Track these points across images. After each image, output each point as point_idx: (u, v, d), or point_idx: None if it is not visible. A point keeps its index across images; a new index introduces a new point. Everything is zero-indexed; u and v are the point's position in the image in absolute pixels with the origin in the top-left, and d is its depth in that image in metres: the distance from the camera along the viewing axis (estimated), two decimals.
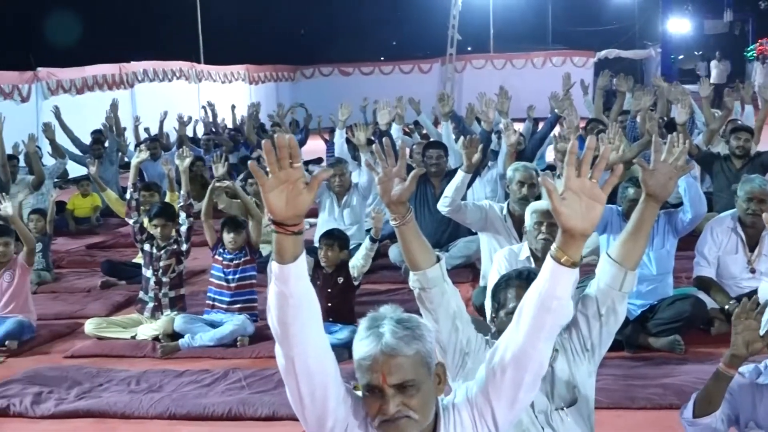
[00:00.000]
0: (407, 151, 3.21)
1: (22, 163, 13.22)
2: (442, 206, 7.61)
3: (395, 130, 13.08)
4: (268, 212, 2.61)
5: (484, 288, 6.41)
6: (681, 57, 44.75)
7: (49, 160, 15.09)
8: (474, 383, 2.90)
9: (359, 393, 2.83)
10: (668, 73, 35.10)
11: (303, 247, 2.60)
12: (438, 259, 3.52)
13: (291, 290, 2.58)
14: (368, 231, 10.33)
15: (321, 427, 2.76)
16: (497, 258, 6.28)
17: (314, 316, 2.66)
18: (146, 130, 18.57)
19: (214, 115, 20.13)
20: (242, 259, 7.93)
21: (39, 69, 21.13)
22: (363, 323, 2.81)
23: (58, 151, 14.22)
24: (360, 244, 8.01)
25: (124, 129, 16.75)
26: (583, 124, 12.69)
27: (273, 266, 2.60)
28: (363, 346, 2.74)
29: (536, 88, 24.74)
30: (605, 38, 36.58)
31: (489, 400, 2.83)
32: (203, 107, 19.72)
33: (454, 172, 8.18)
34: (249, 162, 2.67)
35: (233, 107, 20.71)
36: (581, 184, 2.61)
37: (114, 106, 15.79)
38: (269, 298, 2.63)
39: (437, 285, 3.49)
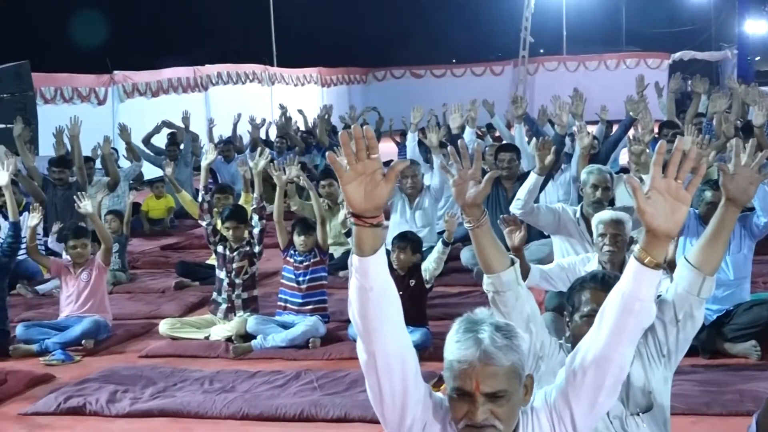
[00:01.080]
0: (481, 152, 3.20)
1: (98, 165, 13.40)
2: (515, 208, 7.55)
3: (468, 133, 13.02)
4: (347, 205, 2.60)
5: (558, 291, 6.35)
6: (758, 58, 44.08)
7: (124, 162, 15.30)
8: (553, 387, 2.88)
9: (440, 395, 2.81)
10: (745, 74, 34.55)
11: (383, 239, 2.59)
12: (512, 262, 3.49)
13: (371, 283, 2.57)
14: (440, 233, 10.32)
15: (400, 425, 2.74)
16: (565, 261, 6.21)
17: (395, 310, 2.64)
18: (218, 135, 18.71)
19: (287, 118, 20.22)
20: (312, 261, 7.95)
21: (115, 72, 21.47)
22: (459, 324, 2.77)
23: (133, 153, 14.40)
24: (431, 247, 7.99)
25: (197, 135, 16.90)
26: (656, 127, 12.54)
27: (353, 259, 2.59)
28: (460, 349, 2.69)
29: (609, 90, 24.57)
30: (680, 40, 36.19)
31: (569, 403, 2.81)
32: (283, 111, 19.81)
33: (526, 175, 8.13)
34: (327, 153, 2.67)
35: (300, 111, 20.81)
36: (667, 185, 2.59)
37: (186, 119, 15.97)
38: (350, 292, 2.62)
39: (511, 288, 3.47)
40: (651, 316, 2.73)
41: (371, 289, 2.58)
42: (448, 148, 3.49)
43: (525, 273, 4.88)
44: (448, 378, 2.71)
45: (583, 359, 2.78)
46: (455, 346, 2.71)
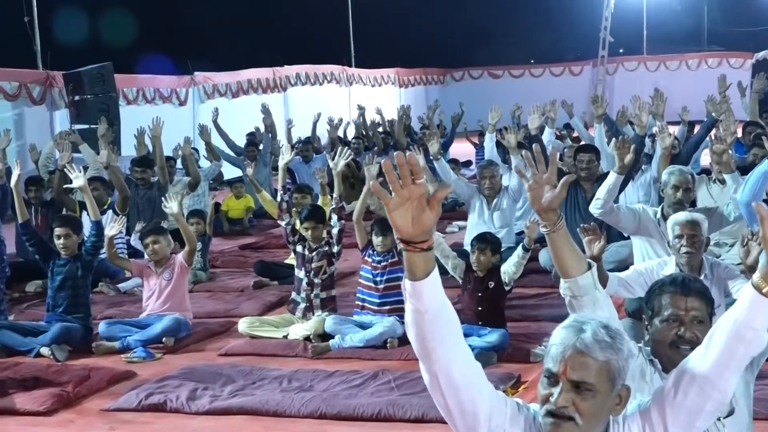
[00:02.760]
0: (558, 155, 3.16)
1: (179, 165, 13.58)
2: (594, 208, 7.49)
3: (547, 134, 12.95)
4: (396, 232, 2.59)
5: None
6: None
7: (204, 162, 15.48)
8: (649, 399, 2.84)
9: (518, 399, 2.79)
10: None
11: (434, 262, 2.57)
12: (589, 266, 3.45)
13: (426, 306, 2.56)
14: (518, 234, 10.30)
15: None
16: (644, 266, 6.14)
17: (453, 330, 2.63)
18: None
19: (365, 120, 20.30)
20: (389, 261, 7.96)
21: (196, 73, 21.73)
22: (570, 317, 2.78)
23: (213, 154, 14.56)
24: (510, 248, 7.97)
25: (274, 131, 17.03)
26: (739, 128, 12.35)
27: (405, 284, 2.58)
28: (561, 334, 2.70)
29: (690, 90, 24.25)
30: (764, 39, 35.49)
31: (664, 420, 2.76)
32: (361, 112, 19.89)
33: (605, 176, 8.05)
34: (372, 183, 2.66)
35: (379, 111, 20.87)
36: None
37: (266, 110, 16.07)
38: (406, 316, 2.62)
39: (588, 293, 3.41)
40: (762, 344, 2.68)
41: (426, 312, 2.56)
42: (523, 152, 3.46)
43: (603, 282, 4.82)
44: (545, 360, 2.71)
45: (687, 380, 2.74)
46: (559, 332, 2.71)
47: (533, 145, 3.46)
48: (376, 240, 7.95)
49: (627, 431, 2.78)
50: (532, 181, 3.32)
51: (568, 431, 2.66)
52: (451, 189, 2.60)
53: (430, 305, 2.56)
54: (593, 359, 2.64)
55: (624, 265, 9.29)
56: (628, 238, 8.19)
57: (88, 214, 8.56)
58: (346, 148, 9.35)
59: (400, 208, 2.50)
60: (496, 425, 2.71)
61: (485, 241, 7.55)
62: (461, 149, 20.83)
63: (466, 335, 7.00)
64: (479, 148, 18.73)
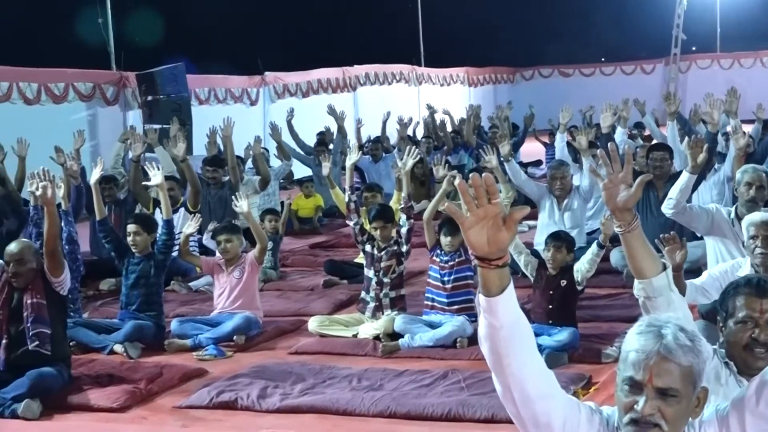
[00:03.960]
0: (632, 154, 3.12)
1: (249, 165, 13.68)
2: (667, 208, 7.40)
3: (619, 134, 12.84)
4: (471, 250, 2.60)
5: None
6: None
7: (275, 162, 15.58)
8: (729, 405, 2.80)
9: (590, 403, 2.77)
10: None
11: (510, 277, 2.57)
12: (664, 267, 3.41)
13: (501, 322, 2.56)
14: (589, 234, 10.22)
15: None
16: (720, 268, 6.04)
17: (527, 344, 2.62)
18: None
19: (434, 119, 20.26)
20: (456, 260, 7.93)
21: (267, 73, 21.87)
22: (642, 320, 2.75)
23: (283, 153, 14.65)
24: (580, 248, 7.90)
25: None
26: None
27: (480, 299, 2.58)
28: (639, 340, 2.66)
29: (765, 87, 23.85)
30: None
31: (744, 427, 2.74)
32: (431, 111, 19.87)
33: (677, 175, 7.96)
34: (447, 205, 2.66)
35: (447, 111, 20.84)
36: None
37: (333, 110, 16.14)
38: (479, 331, 2.62)
39: (663, 294, 3.36)
40: None
41: (501, 328, 2.56)
42: (598, 151, 3.42)
43: (682, 290, 4.76)
44: (621, 369, 2.68)
45: (766, 389, 2.70)
46: (636, 338, 2.68)
47: (608, 144, 3.42)
48: (444, 240, 7.94)
49: None
50: (607, 180, 3.29)
51: None
52: (527, 210, 2.60)
53: (504, 320, 2.56)
54: (677, 364, 2.61)
55: (697, 266, 9.20)
56: (701, 238, 8.08)
57: (160, 212, 8.68)
58: (416, 147, 9.35)
59: (475, 227, 2.51)
60: (571, 430, 2.69)
61: (561, 239, 7.51)
62: (530, 148, 20.74)
63: (536, 334, 6.96)
64: (549, 147, 18.62)
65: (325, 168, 11.00)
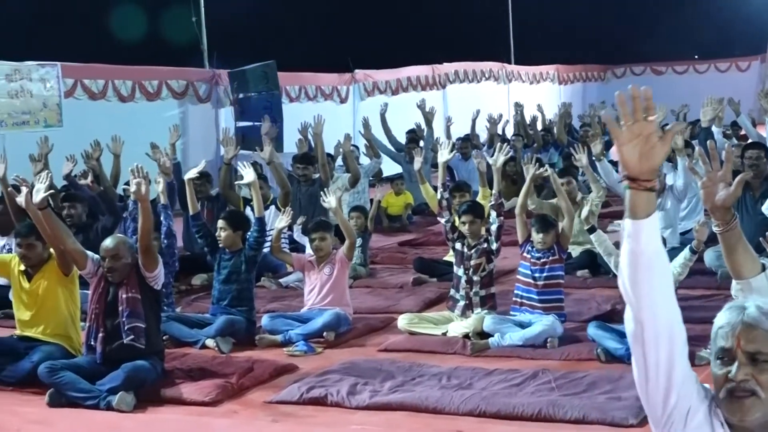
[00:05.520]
0: (732, 152, 3.06)
1: (339, 162, 13.74)
2: (767, 208, 7.26)
3: (715, 133, 12.63)
4: (621, 168, 2.59)
5: None
6: None
7: (364, 160, 15.62)
8: None
9: (705, 385, 2.73)
10: None
11: (656, 205, 2.57)
12: (763, 268, 3.34)
13: (642, 248, 2.53)
14: (683, 234, 10.07)
15: (664, 404, 2.65)
16: None
17: (665, 278, 2.60)
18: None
19: (523, 117, 20.15)
20: (550, 258, 7.87)
21: (356, 71, 21.94)
22: (726, 306, 2.72)
23: (373, 150, 14.68)
24: (674, 248, 7.79)
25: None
26: None
27: (625, 223, 2.57)
28: (723, 317, 2.64)
29: None
30: None
31: None
32: (520, 109, 19.77)
33: None
34: (602, 113, 2.65)
35: (539, 107, 20.70)
36: None
37: (422, 105, 16.17)
38: (621, 259, 2.60)
39: (762, 295, 3.29)
40: None
41: (642, 254, 2.54)
42: (697, 149, 3.37)
43: None
44: (712, 348, 2.66)
45: None
46: (720, 317, 2.66)
47: (707, 142, 3.37)
48: (537, 237, 7.88)
49: None
50: (706, 178, 3.24)
51: (753, 406, 2.59)
52: (684, 125, 2.59)
53: (647, 247, 2.54)
54: (764, 330, 2.57)
55: None
56: None
57: (252, 210, 8.77)
58: (506, 144, 9.31)
59: (628, 143, 2.51)
60: (684, 394, 2.64)
61: None
62: None
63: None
64: None
65: (417, 162, 11.00)
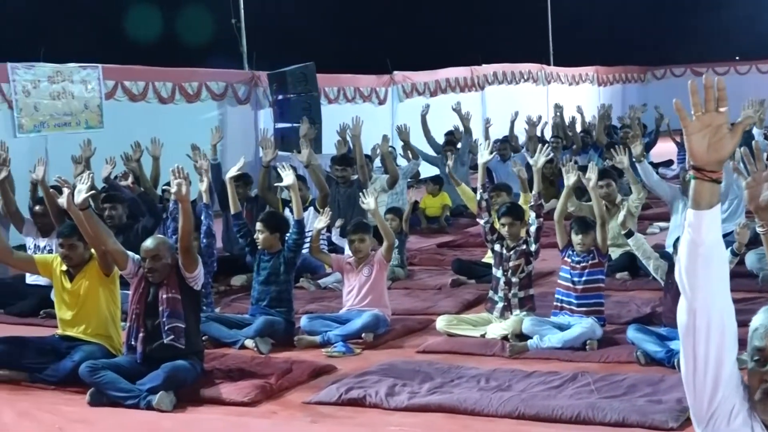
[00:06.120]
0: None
1: (378, 164, 13.76)
2: None
3: (756, 135, 12.53)
4: (688, 158, 2.59)
5: None
6: None
7: (401, 161, 15.62)
8: None
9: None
10: None
11: (719, 198, 2.57)
12: None
13: (702, 238, 2.54)
14: (724, 237, 9.97)
15: (711, 399, 2.65)
16: None
17: (722, 271, 2.60)
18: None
19: (563, 119, 20.07)
20: (590, 262, 7.84)
21: (395, 73, 21.94)
22: (762, 308, 2.75)
23: (411, 152, 14.68)
24: None
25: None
26: None
27: (687, 214, 2.58)
28: (759, 319, 2.67)
29: None
30: None
31: None
32: (559, 111, 19.70)
33: None
34: (675, 101, 2.64)
35: (579, 109, 20.61)
36: None
37: (458, 109, 16.16)
38: (680, 248, 2.61)
39: None
40: None
41: (702, 244, 2.54)
42: (741, 149, 3.34)
43: None
44: (748, 350, 2.67)
45: None
46: (756, 319, 2.68)
47: (752, 142, 3.33)
48: (576, 238, 7.85)
49: None
50: (750, 179, 3.22)
51: None
52: (754, 120, 2.59)
53: (707, 238, 2.54)
54: None
55: None
56: None
57: (291, 212, 8.80)
58: (546, 146, 9.28)
59: (697, 133, 2.51)
60: (730, 392, 2.64)
61: None
62: (662, 148, 20.37)
63: (669, 338, 6.84)
64: (681, 147, 18.26)
65: (449, 165, 11.04)
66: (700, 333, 2.60)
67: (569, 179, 8.21)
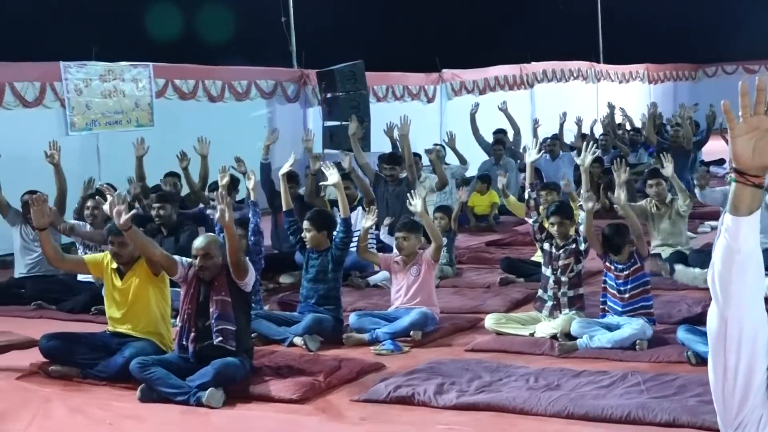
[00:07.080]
0: None
1: (426, 162, 13.76)
2: None
3: None
4: (730, 159, 2.54)
5: None
6: None
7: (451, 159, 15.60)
8: None
9: None
10: None
11: (760, 203, 2.49)
12: None
13: (739, 245, 2.46)
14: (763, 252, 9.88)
15: (740, 407, 2.58)
16: None
17: (758, 281, 2.52)
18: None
19: (613, 117, 19.94)
20: (632, 269, 7.78)
21: (444, 71, 21.90)
22: None
23: (459, 159, 14.72)
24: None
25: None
26: None
27: (725, 218, 2.50)
28: None
29: None
30: None
31: None
32: (611, 109, 19.61)
33: None
34: (723, 102, 2.60)
35: (623, 110, 20.45)
36: None
37: (504, 109, 16.17)
38: (714, 254, 2.53)
39: None
40: None
41: (738, 251, 2.46)
42: None
43: None
44: None
45: None
46: None
47: None
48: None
49: None
50: None
51: None
52: None
53: (744, 245, 2.46)
54: None
55: None
56: None
57: (338, 210, 8.82)
58: (594, 144, 9.22)
59: (744, 136, 2.44)
60: (761, 403, 2.58)
61: None
62: (713, 146, 20.16)
63: None
64: None
65: (500, 181, 11.06)
66: (731, 342, 2.53)
67: (587, 204, 8.02)
